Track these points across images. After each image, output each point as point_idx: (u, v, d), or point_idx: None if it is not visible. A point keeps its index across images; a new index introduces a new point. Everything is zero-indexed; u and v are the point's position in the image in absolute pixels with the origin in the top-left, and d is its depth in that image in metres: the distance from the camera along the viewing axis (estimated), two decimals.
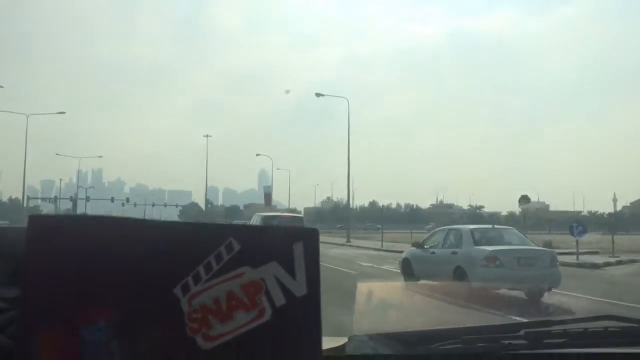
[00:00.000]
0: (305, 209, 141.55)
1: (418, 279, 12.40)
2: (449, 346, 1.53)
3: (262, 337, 0.99)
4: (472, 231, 12.41)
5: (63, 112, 57.70)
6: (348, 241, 39.75)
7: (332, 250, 27.94)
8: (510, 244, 12.02)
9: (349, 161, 45.63)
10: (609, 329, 1.59)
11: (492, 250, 11.25)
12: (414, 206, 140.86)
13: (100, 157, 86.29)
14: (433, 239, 13.60)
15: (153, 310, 0.97)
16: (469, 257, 11.42)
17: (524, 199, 30.20)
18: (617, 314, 1.67)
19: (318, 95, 48.08)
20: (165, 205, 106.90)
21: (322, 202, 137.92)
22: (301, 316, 1.01)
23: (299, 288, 1.01)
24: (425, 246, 13.32)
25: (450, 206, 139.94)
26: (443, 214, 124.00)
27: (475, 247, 11.66)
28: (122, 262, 0.97)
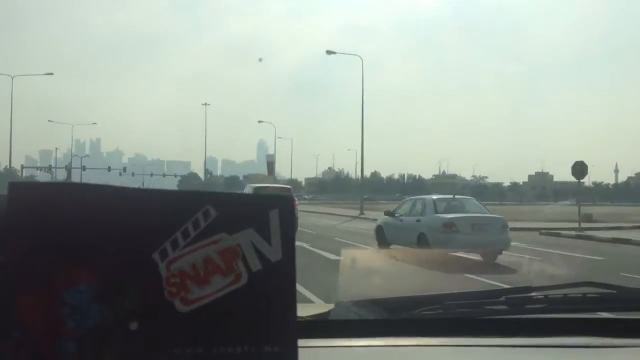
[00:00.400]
0: (307, 180, 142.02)
1: (389, 244, 14.57)
2: (430, 311, 1.60)
3: (238, 300, 1.04)
4: (434, 201, 14.37)
5: (51, 74, 56.93)
6: (362, 213, 37.84)
7: (347, 225, 26.21)
8: (467, 212, 13.87)
9: (363, 126, 43.04)
10: (587, 295, 1.65)
11: (449, 218, 13.18)
12: (417, 177, 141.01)
13: (94, 124, 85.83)
14: (402, 208, 15.29)
15: (132, 275, 1.02)
16: (430, 224, 13.37)
17: (580, 169, 24.05)
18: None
19: (329, 52, 45.26)
20: (164, 175, 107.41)
21: (324, 173, 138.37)
22: (276, 281, 1.06)
23: (275, 254, 1.06)
24: (395, 214, 15.08)
25: (454, 177, 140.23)
26: (446, 184, 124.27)
27: (435, 215, 13.57)
28: (103, 227, 1.02)
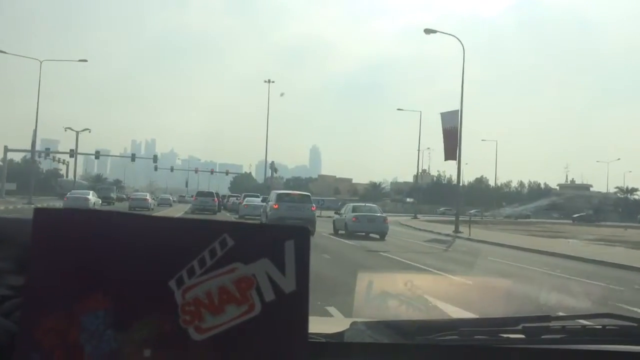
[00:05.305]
0: (393, 184, 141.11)
1: (338, 231, 32.26)
2: (446, 337, 1.86)
3: (251, 330, 1.30)
4: (353, 206, 34.31)
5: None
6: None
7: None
8: (367, 212, 32.41)
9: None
10: (607, 327, 1.91)
11: (355, 214, 31.48)
12: (541, 185, 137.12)
13: (85, 61, 79.21)
14: (342, 209, 34.62)
15: (149, 302, 1.29)
16: (348, 218, 31.59)
17: None
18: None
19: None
20: (212, 172, 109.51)
21: (414, 177, 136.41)
22: (289, 312, 1.31)
23: (288, 284, 1.31)
24: (340, 212, 34.08)
25: (587, 187, 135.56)
26: (576, 197, 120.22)
27: (351, 213, 31.91)
28: (122, 254, 1.30)
